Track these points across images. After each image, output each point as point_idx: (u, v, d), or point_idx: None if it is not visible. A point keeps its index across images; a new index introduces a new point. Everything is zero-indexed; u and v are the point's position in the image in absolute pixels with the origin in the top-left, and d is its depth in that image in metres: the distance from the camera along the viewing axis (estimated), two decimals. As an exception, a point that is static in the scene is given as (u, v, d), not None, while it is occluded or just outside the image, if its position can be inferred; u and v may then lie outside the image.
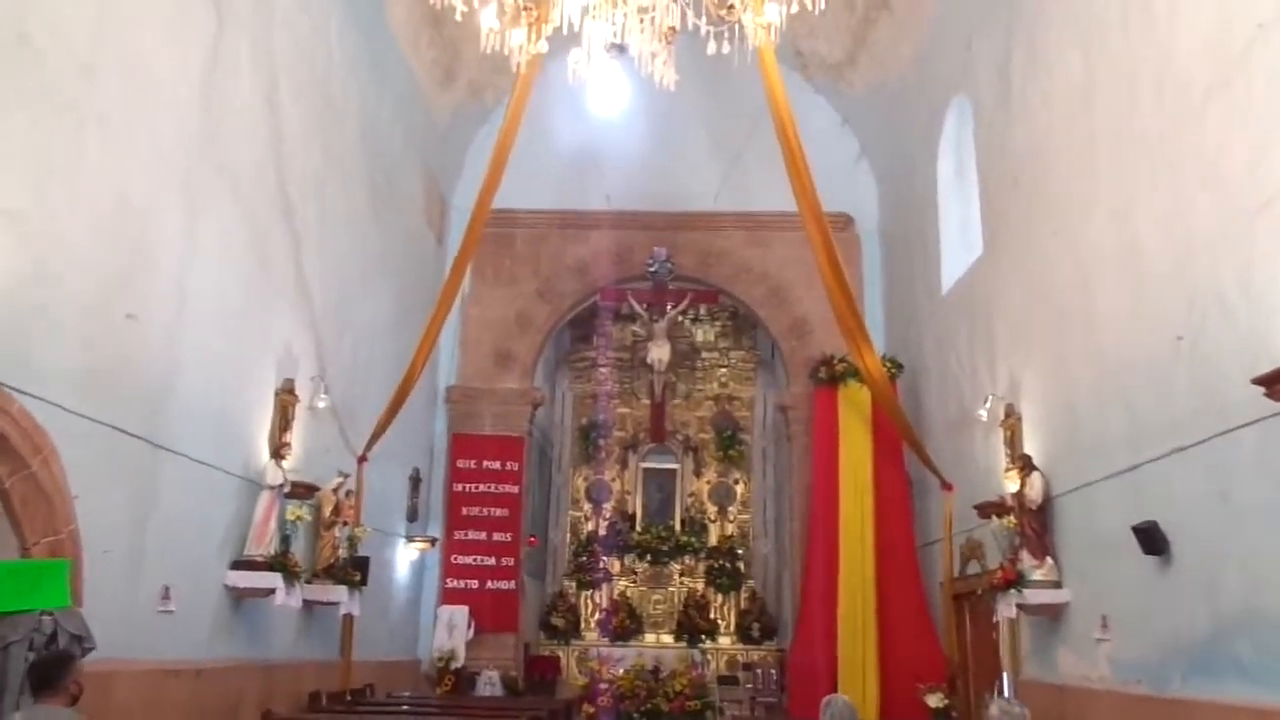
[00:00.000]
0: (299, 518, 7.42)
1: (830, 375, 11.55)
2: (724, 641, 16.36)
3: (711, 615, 16.48)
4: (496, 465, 12.93)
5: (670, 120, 13.95)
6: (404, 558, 11.77)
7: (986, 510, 7.97)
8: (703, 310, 18.29)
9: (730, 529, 17.34)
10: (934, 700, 9.47)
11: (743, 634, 16.31)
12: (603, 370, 18.02)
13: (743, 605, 16.60)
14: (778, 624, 16.40)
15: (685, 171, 13.66)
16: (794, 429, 12.98)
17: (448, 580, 12.43)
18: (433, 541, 12.17)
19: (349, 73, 9.50)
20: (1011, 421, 8.08)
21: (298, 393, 8.19)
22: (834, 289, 8.75)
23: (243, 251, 7.32)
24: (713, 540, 17.17)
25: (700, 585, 16.78)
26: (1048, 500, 7.31)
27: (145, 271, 5.96)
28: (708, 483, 17.54)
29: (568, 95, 13.93)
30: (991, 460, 8.71)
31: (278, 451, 7.52)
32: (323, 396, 8.69)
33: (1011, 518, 7.26)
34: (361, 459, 9.83)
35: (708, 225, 13.58)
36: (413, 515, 12.06)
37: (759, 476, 17.62)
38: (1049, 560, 7.14)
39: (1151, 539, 5.65)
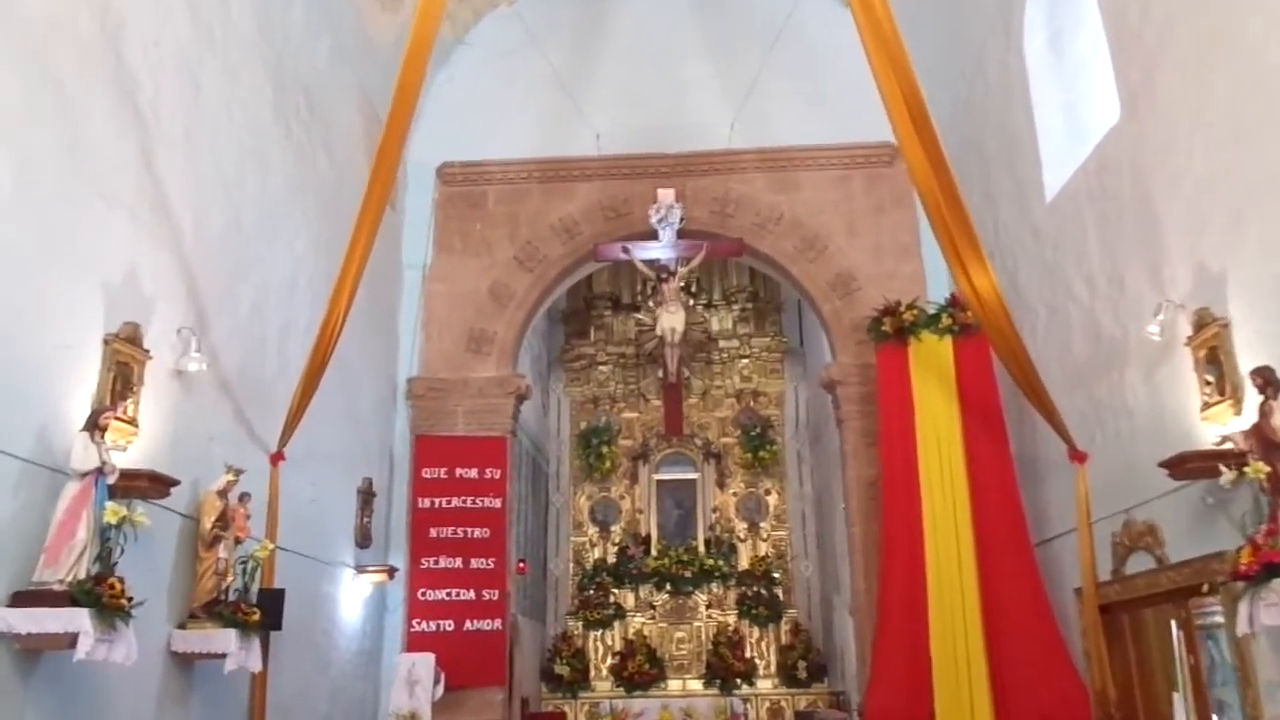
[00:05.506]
0: (124, 519, 4.69)
1: (898, 328, 8.88)
2: (764, 685, 13.58)
3: (747, 654, 13.71)
4: (473, 474, 10.19)
5: (669, 43, 11.53)
6: (353, 594, 9.02)
7: (1192, 465, 5.21)
8: (717, 294, 15.76)
9: (764, 549, 14.60)
10: (1086, 756, 6.67)
11: (786, 676, 13.54)
12: (603, 369, 15.37)
13: (784, 640, 13.83)
14: (828, 661, 13.60)
15: (690, 104, 11.11)
16: (845, 410, 10.23)
17: (413, 622, 9.64)
18: (391, 572, 9.42)
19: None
20: (1211, 333, 5.39)
21: (148, 345, 5.55)
22: (935, 191, 6.25)
23: (21, 110, 4.69)
24: (744, 563, 14.43)
25: (732, 618, 14.03)
26: (1304, 437, 4.60)
27: None
28: (734, 494, 14.79)
29: (544, 22, 11.86)
30: (1165, 402, 6.01)
31: (96, 421, 4.84)
32: (195, 356, 6.01)
33: (1260, 464, 4.51)
34: (276, 457, 7.18)
35: (722, 167, 10.99)
36: (364, 540, 9.33)
37: (794, 484, 14.88)
38: (1327, 530, 4.41)
39: None
